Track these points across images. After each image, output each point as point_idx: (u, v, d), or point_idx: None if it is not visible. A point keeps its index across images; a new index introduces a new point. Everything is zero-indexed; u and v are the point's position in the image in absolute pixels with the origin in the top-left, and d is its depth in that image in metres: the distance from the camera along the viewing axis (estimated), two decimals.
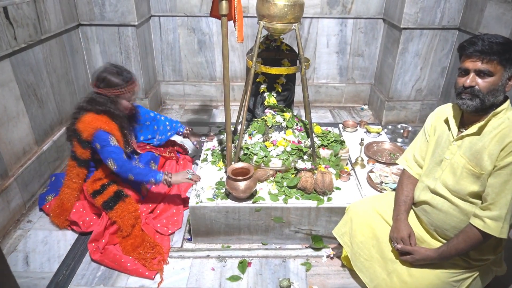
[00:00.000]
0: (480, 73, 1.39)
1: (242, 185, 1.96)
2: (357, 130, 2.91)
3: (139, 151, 2.43)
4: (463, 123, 1.58)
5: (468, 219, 1.49)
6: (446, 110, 1.66)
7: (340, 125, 2.98)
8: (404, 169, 1.84)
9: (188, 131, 2.69)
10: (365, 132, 2.89)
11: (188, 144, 2.97)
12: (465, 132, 1.52)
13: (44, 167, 2.61)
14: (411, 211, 1.77)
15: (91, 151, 2.10)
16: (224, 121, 3.71)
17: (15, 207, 2.30)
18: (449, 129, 1.61)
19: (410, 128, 3.41)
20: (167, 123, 2.63)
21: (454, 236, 1.54)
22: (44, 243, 2.15)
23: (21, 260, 2.03)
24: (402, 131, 3.40)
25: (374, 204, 1.85)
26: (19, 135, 2.38)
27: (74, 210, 2.18)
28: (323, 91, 4.03)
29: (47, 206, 2.30)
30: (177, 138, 2.77)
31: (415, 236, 1.66)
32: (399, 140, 3.30)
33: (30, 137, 2.51)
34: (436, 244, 1.64)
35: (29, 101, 2.48)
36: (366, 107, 4.09)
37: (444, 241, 1.61)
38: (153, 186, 2.22)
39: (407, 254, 1.63)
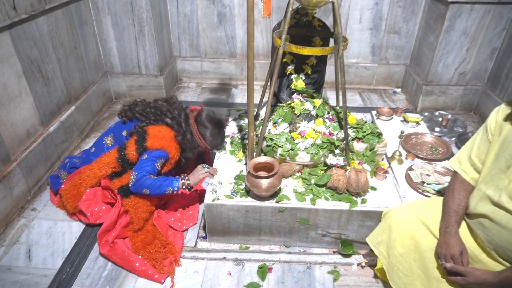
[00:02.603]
0: None
1: (265, 183, 1.72)
2: (392, 118, 2.60)
3: None
4: None
5: None
6: None
7: (374, 112, 2.67)
8: (456, 172, 1.55)
9: None
10: (401, 121, 2.58)
11: None
12: None
13: (50, 149, 2.43)
14: (463, 222, 1.50)
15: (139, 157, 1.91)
16: (244, 101, 3.50)
17: (18, 194, 2.14)
18: None
19: (449, 116, 3.06)
20: None
21: None
22: (48, 234, 1.99)
23: (23, 254, 1.88)
24: (440, 119, 3.06)
25: (418, 211, 1.59)
26: (22, 116, 2.19)
27: (84, 197, 1.98)
28: (352, 72, 3.69)
29: (62, 186, 2.07)
30: None
31: (468, 253, 1.41)
32: (437, 129, 2.97)
33: (35, 117, 2.31)
34: (494, 265, 1.38)
35: (33, 78, 2.27)
36: (398, 90, 3.73)
37: (506, 263, 1.35)
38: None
39: (457, 275, 1.38)
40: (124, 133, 2.00)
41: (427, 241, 1.51)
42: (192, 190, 1.93)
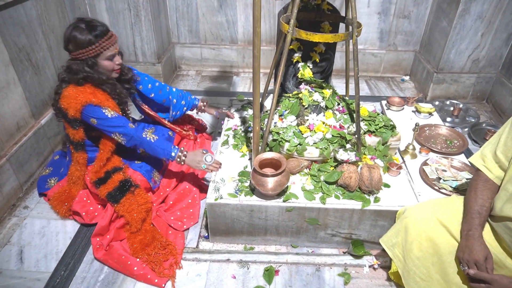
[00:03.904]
0: None
1: (271, 181, 1.60)
2: (403, 109, 2.47)
3: (152, 114, 2.12)
4: None
5: None
6: None
7: (384, 102, 2.53)
8: (479, 169, 1.43)
9: (205, 104, 2.31)
10: (413, 111, 2.45)
11: (205, 118, 2.62)
12: None
13: (43, 143, 2.30)
14: (486, 225, 1.39)
15: (84, 129, 1.79)
16: (246, 90, 3.35)
17: (9, 190, 2.02)
18: None
19: (461, 106, 2.93)
20: (180, 94, 2.22)
21: None
22: (41, 235, 1.88)
23: (14, 256, 1.77)
24: (451, 108, 2.92)
25: (436, 212, 1.48)
26: (10, 108, 2.05)
27: (77, 199, 1.90)
28: (359, 58, 3.52)
29: (49, 192, 2.02)
30: (191, 112, 2.39)
31: (492, 259, 1.30)
32: (448, 119, 2.84)
33: (25, 109, 2.17)
34: None
35: (22, 67, 2.12)
36: (407, 78, 3.58)
37: None
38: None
39: (480, 282, 1.28)
40: (64, 128, 1.86)
41: (447, 244, 1.41)
42: (183, 164, 1.87)
